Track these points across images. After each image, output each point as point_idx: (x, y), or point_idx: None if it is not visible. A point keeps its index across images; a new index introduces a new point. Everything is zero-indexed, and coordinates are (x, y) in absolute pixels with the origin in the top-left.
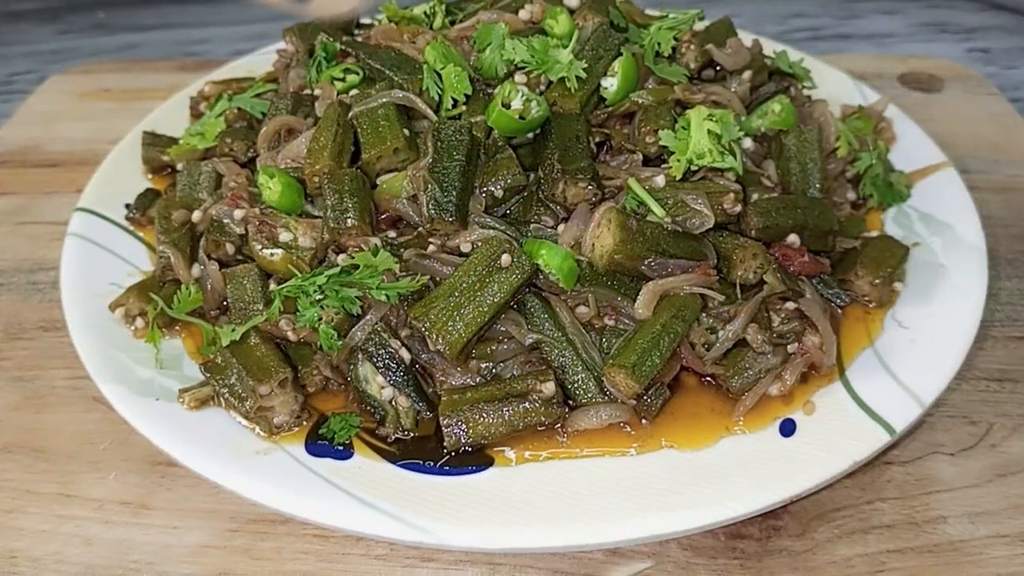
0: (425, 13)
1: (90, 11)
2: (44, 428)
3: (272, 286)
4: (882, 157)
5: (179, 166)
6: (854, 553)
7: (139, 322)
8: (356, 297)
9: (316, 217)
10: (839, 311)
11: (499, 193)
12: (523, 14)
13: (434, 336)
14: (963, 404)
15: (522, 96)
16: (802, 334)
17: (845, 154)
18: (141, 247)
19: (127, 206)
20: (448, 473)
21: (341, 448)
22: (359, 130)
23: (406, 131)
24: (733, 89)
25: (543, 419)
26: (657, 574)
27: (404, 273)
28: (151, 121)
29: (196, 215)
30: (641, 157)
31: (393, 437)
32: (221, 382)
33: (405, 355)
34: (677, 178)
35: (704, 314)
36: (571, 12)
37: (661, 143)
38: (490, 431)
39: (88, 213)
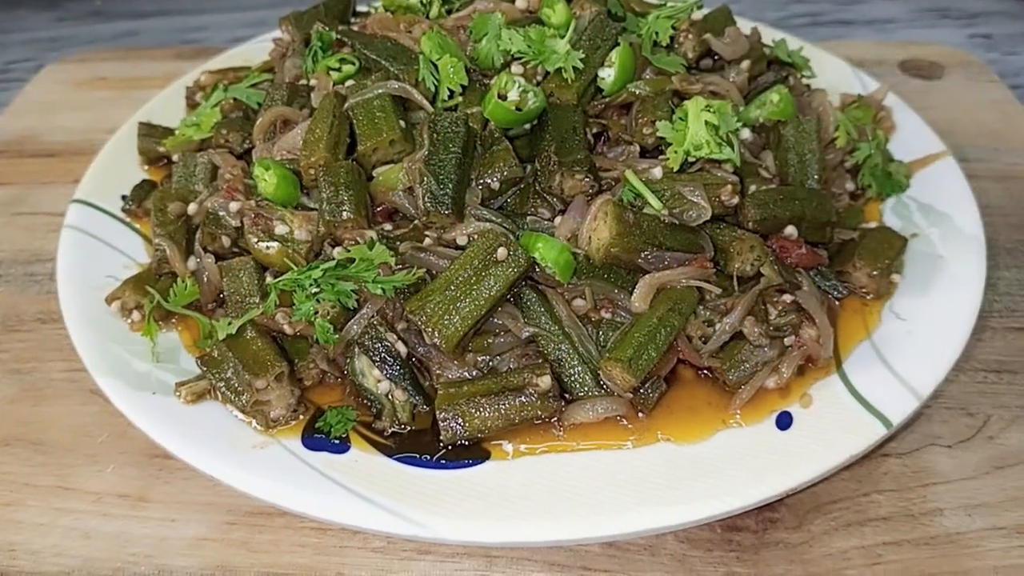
0: (421, 2)
1: None
2: (42, 421)
3: (268, 279)
4: (881, 147)
5: (175, 157)
6: (850, 545)
7: (135, 315)
8: (352, 291)
9: (312, 209)
10: (836, 303)
11: (495, 185)
12: (520, 3)
13: (430, 330)
14: (961, 396)
15: (519, 87)
16: (799, 327)
17: (844, 144)
18: (137, 239)
19: (123, 198)
20: (445, 467)
21: (338, 442)
22: (355, 121)
23: (402, 123)
24: (731, 79)
25: (539, 413)
26: (653, 567)
27: (400, 266)
28: (147, 111)
29: (192, 208)
30: (638, 148)
31: (390, 431)
32: (217, 376)
33: (401, 348)
34: (674, 170)
35: (701, 307)
36: (568, 1)
37: (658, 134)
38: (486, 425)
39: (84, 205)
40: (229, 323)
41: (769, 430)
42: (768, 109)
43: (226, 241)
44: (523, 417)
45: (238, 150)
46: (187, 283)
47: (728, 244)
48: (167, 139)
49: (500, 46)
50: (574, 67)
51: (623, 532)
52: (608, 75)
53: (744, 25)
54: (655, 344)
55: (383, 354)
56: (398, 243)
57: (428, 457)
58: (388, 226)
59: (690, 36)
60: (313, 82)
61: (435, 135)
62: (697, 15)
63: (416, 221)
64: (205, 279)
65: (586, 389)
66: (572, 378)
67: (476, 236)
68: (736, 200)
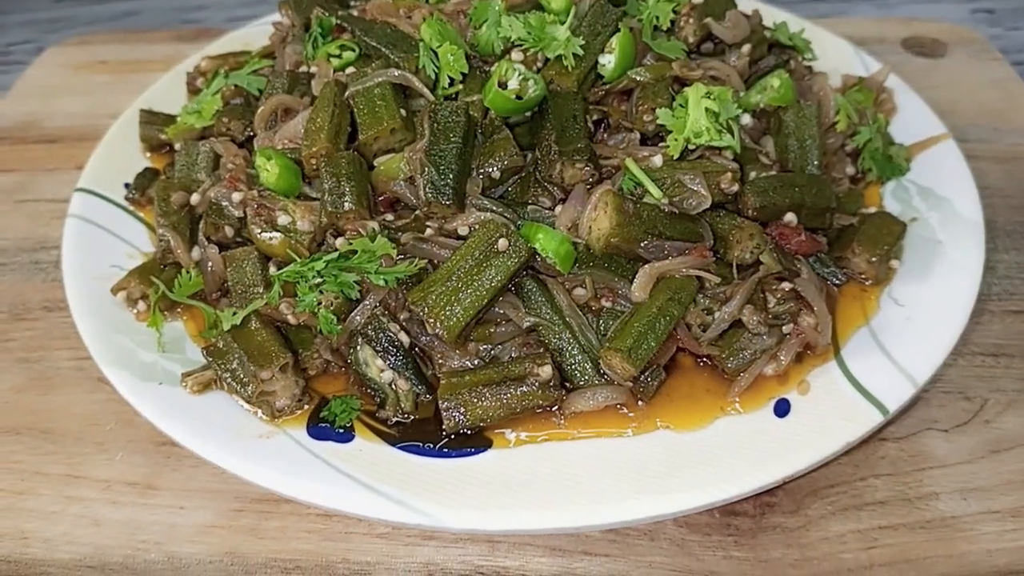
0: None
1: None
2: (50, 409)
3: (272, 269)
4: (882, 130)
5: (176, 146)
6: (847, 529)
7: (141, 305)
8: (355, 282)
9: (314, 199)
10: (835, 289)
11: (496, 175)
12: None
13: (432, 321)
14: (959, 380)
15: (519, 75)
16: (797, 314)
17: (844, 128)
18: (141, 227)
19: (126, 186)
20: (447, 455)
21: (342, 431)
22: (356, 110)
23: (403, 111)
24: (732, 63)
25: (540, 402)
26: (653, 551)
27: (402, 256)
28: (148, 98)
29: (195, 198)
30: (638, 136)
31: (393, 420)
32: (223, 367)
33: (404, 338)
34: (675, 157)
35: (700, 295)
36: None
37: (659, 122)
38: (488, 414)
39: (88, 193)
40: (234, 313)
41: (767, 417)
42: (769, 95)
43: (229, 231)
44: (524, 406)
45: (240, 138)
46: (191, 274)
47: (728, 232)
48: (169, 128)
49: (500, 33)
50: (574, 54)
51: (623, 520)
52: (608, 61)
53: (746, 5)
54: (654, 334)
55: (386, 344)
56: (400, 233)
57: (431, 446)
58: (390, 216)
59: (691, 20)
60: (314, 69)
61: (435, 125)
62: None
63: (417, 211)
64: (209, 269)
65: (586, 378)
66: (573, 367)
67: (477, 226)
68: (736, 188)
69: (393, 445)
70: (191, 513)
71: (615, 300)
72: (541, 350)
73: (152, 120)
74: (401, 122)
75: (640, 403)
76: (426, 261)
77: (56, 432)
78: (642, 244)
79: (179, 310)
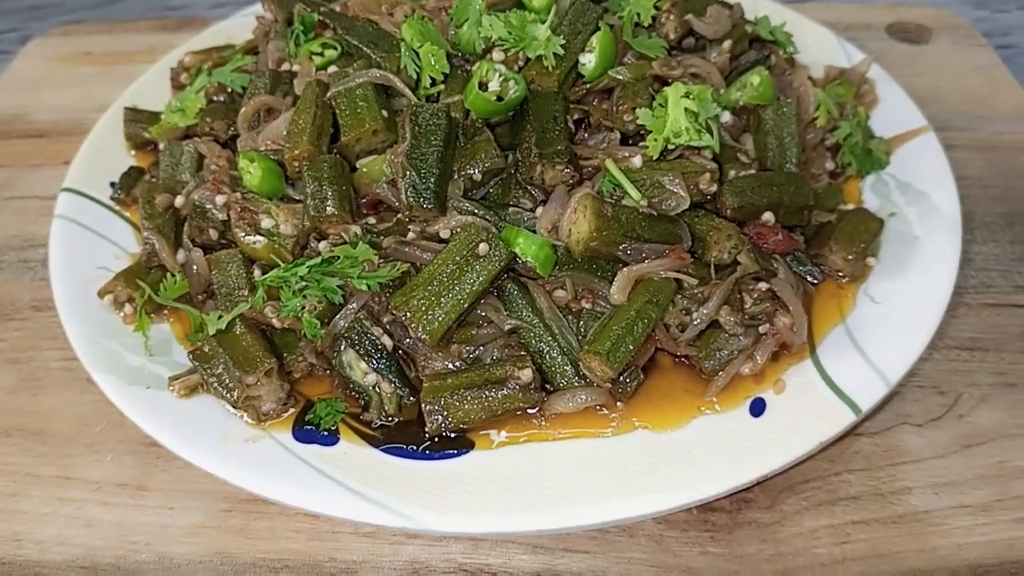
0: None
1: None
2: (41, 411)
3: (256, 272)
4: (862, 124)
5: (161, 145)
6: (820, 524)
7: (128, 308)
8: (338, 286)
9: (297, 201)
10: (812, 288)
11: (478, 177)
12: None
13: (415, 325)
14: (933, 374)
15: (499, 76)
16: (773, 315)
17: (824, 124)
18: (127, 227)
19: (112, 185)
20: (431, 457)
21: (327, 434)
22: (338, 111)
23: (384, 112)
24: (713, 59)
25: (521, 404)
26: (632, 547)
27: (384, 260)
28: (132, 93)
29: (179, 200)
30: (619, 135)
31: (377, 423)
32: (208, 371)
33: (387, 342)
34: (654, 157)
35: (679, 296)
36: None
37: (639, 122)
38: (470, 416)
39: (74, 193)
40: (219, 317)
41: (743, 417)
42: (748, 92)
43: (213, 234)
44: (506, 408)
45: (223, 137)
46: (177, 278)
47: (706, 233)
48: (153, 127)
49: (481, 33)
50: (555, 54)
51: (602, 521)
52: (589, 61)
53: None
54: (633, 336)
55: (369, 347)
56: (382, 237)
57: (415, 448)
58: (372, 219)
59: (671, 17)
60: (296, 67)
61: (416, 128)
62: None
63: (399, 215)
64: (194, 271)
65: (567, 380)
66: (553, 369)
67: (459, 229)
68: (715, 188)
69: (377, 447)
70: (181, 514)
71: (595, 301)
72: (522, 353)
73: (136, 118)
74: (383, 123)
75: (619, 404)
76: (408, 265)
77: (47, 433)
78: (621, 247)
79: (165, 312)
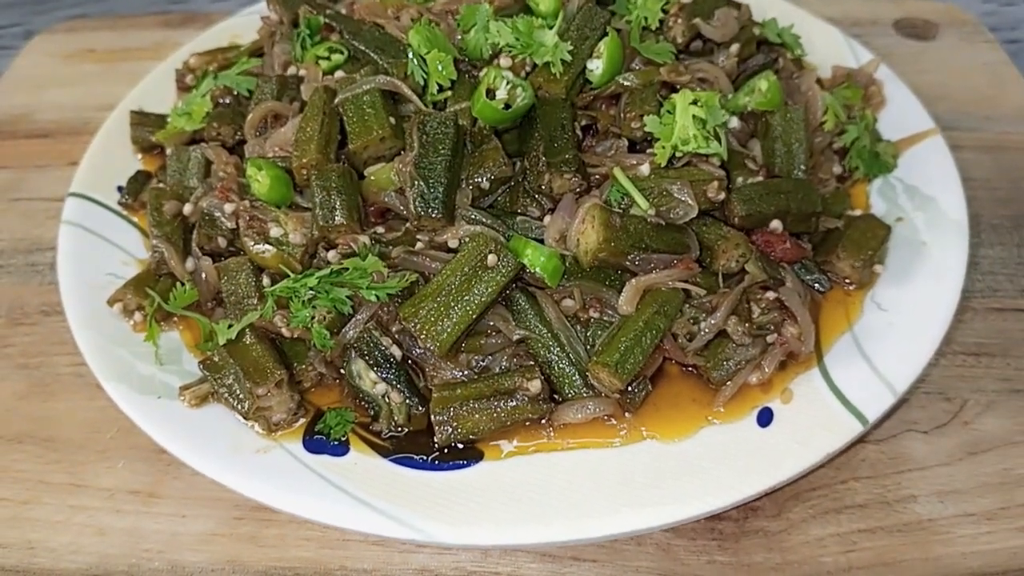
0: None
1: None
2: (52, 417)
3: (265, 281)
4: (869, 127)
5: (168, 151)
6: (827, 533)
7: (137, 316)
8: (347, 296)
9: (306, 209)
10: (819, 296)
11: (485, 185)
12: None
13: (424, 336)
14: (940, 380)
15: (507, 84)
16: (781, 324)
17: (832, 128)
18: (135, 233)
19: (119, 189)
20: (440, 468)
21: (337, 444)
22: (345, 118)
23: (392, 119)
24: (721, 63)
25: (530, 415)
26: (639, 556)
27: (392, 271)
28: (138, 94)
29: (187, 208)
30: (626, 143)
31: (387, 433)
32: (219, 382)
33: (396, 352)
34: (662, 165)
35: (687, 305)
36: None
37: (646, 129)
38: (479, 427)
39: (81, 198)
40: (229, 326)
41: (750, 427)
42: (756, 98)
43: (222, 242)
44: (514, 419)
45: (230, 142)
46: (186, 287)
47: (714, 242)
48: (159, 132)
49: (488, 39)
50: (562, 60)
51: (610, 533)
52: (597, 67)
53: None
54: (641, 348)
55: (378, 357)
56: (390, 247)
57: (424, 458)
58: (380, 228)
59: (679, 20)
60: (303, 72)
61: (424, 137)
62: None
63: (408, 224)
64: (203, 279)
65: (575, 390)
66: (561, 380)
67: (467, 240)
68: (723, 196)
69: (387, 457)
70: (192, 521)
71: (603, 310)
72: (531, 363)
73: (143, 122)
74: (390, 130)
75: (627, 414)
76: (417, 274)
77: (58, 440)
78: (629, 257)
79: (175, 320)
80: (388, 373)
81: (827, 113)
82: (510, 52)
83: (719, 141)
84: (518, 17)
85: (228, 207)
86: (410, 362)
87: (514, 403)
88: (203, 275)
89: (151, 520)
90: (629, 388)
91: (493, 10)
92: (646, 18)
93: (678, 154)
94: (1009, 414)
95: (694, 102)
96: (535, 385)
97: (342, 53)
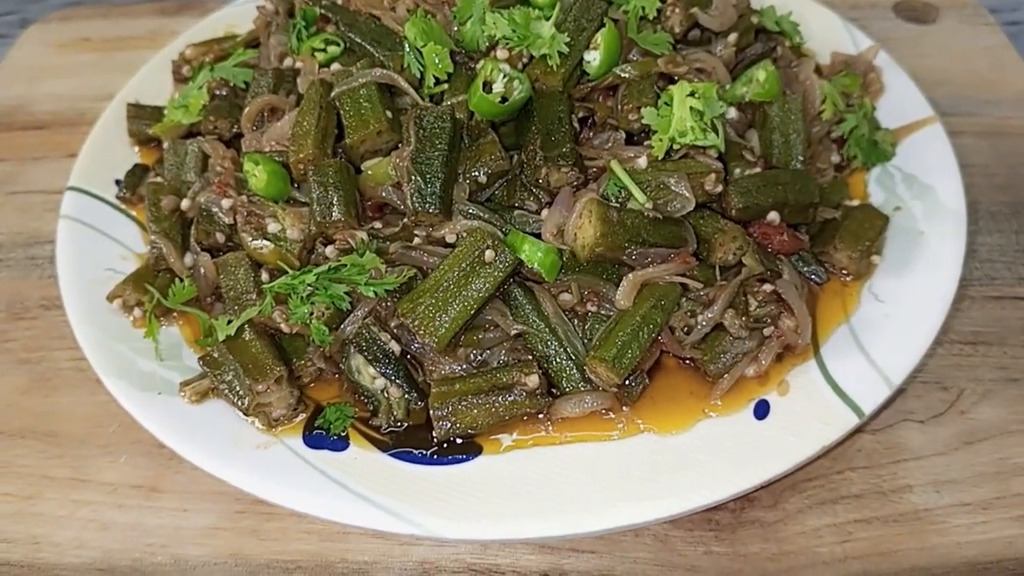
0: None
1: None
2: (54, 412)
3: (264, 276)
4: (868, 116)
5: (165, 144)
6: (822, 523)
7: (137, 312)
8: (345, 293)
9: (303, 204)
10: (817, 287)
11: (483, 179)
12: None
13: (422, 332)
14: (936, 369)
15: (504, 76)
16: (778, 317)
17: (831, 117)
18: (133, 227)
19: (117, 182)
20: (439, 462)
21: (337, 439)
22: (342, 112)
23: (388, 113)
24: (718, 52)
25: (528, 409)
26: (637, 547)
27: (390, 267)
28: (134, 86)
29: (185, 203)
30: (624, 135)
31: (386, 428)
32: (219, 378)
33: (395, 347)
34: (659, 158)
35: (684, 298)
36: None
37: (644, 121)
38: (478, 422)
39: (79, 192)
40: (228, 322)
41: (747, 420)
42: (754, 88)
43: (220, 237)
44: (513, 414)
45: (227, 136)
46: (185, 283)
47: (711, 235)
48: (156, 126)
49: (484, 31)
50: (559, 52)
51: (608, 527)
52: (594, 58)
53: None
54: (638, 342)
55: (377, 353)
56: (388, 243)
57: (423, 453)
58: (378, 224)
59: (677, 10)
60: (299, 64)
61: (421, 131)
62: None
63: (406, 219)
64: (202, 274)
65: (573, 384)
66: (559, 374)
67: (464, 235)
68: (720, 188)
69: (386, 452)
70: (195, 515)
71: (600, 304)
72: (528, 357)
73: (139, 114)
74: (387, 124)
75: (624, 408)
76: (415, 270)
77: (60, 435)
78: (626, 252)
79: (175, 315)
80: (387, 368)
81: (825, 102)
82: (507, 44)
83: (716, 133)
84: (515, 8)
85: (226, 202)
86: (409, 356)
87: (512, 398)
88: (202, 271)
89: (153, 514)
90: (626, 381)
91: (489, 1)
92: (644, 8)
93: (675, 146)
94: (1005, 403)
95: (691, 94)
96: (533, 380)
97: (338, 45)
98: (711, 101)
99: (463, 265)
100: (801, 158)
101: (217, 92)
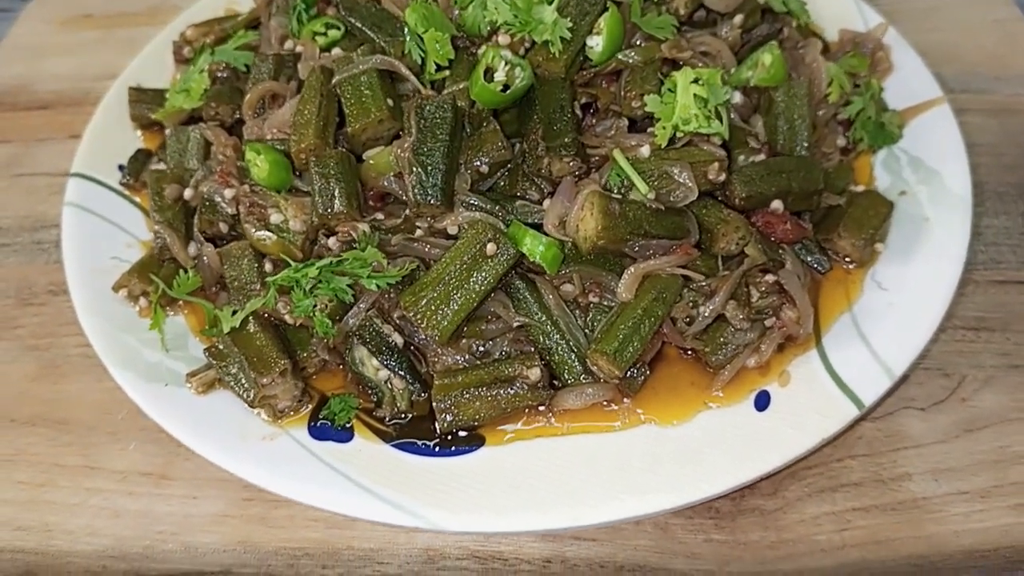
0: None
1: None
2: (63, 399)
3: (267, 266)
4: (875, 97)
5: (167, 130)
6: (822, 511)
7: (142, 301)
8: (348, 285)
9: (306, 193)
10: (819, 275)
11: (485, 169)
12: None
13: (424, 324)
14: (939, 355)
15: (505, 64)
16: (779, 308)
17: (837, 99)
18: (138, 213)
19: (120, 168)
20: (442, 454)
21: (342, 430)
22: (343, 99)
23: (390, 101)
24: (724, 34)
25: (530, 402)
26: (638, 535)
27: (392, 259)
28: (136, 68)
29: (188, 192)
30: (626, 122)
31: (390, 419)
32: (224, 370)
33: (398, 339)
34: (662, 146)
35: (686, 289)
36: None
37: (647, 109)
38: (480, 414)
39: (83, 179)
40: (233, 313)
41: (748, 411)
42: (759, 73)
43: (223, 227)
44: (514, 406)
45: (228, 122)
46: (189, 274)
47: (713, 225)
48: (158, 111)
49: (486, 16)
50: (562, 38)
51: (608, 520)
52: (597, 44)
53: None
54: (639, 335)
55: (380, 345)
56: (390, 235)
57: (427, 444)
58: (380, 215)
59: None
60: (299, 48)
61: (422, 122)
62: None
63: (407, 211)
64: (206, 264)
65: (575, 376)
66: (561, 365)
67: (466, 227)
68: (723, 177)
69: (390, 443)
70: (204, 503)
71: (602, 295)
72: (531, 349)
73: (141, 99)
74: (388, 112)
75: (626, 400)
76: (417, 263)
77: (70, 422)
78: (628, 243)
79: (180, 304)
80: (390, 360)
81: (832, 85)
82: (508, 30)
83: (720, 120)
84: None
85: (228, 192)
86: (412, 348)
87: (514, 390)
88: (206, 260)
89: (163, 502)
90: (628, 373)
91: None
92: None
93: (679, 134)
94: (1007, 390)
95: (695, 80)
96: (535, 373)
97: (339, 29)
98: (715, 88)
99: (465, 258)
100: (806, 144)
101: (219, 74)
